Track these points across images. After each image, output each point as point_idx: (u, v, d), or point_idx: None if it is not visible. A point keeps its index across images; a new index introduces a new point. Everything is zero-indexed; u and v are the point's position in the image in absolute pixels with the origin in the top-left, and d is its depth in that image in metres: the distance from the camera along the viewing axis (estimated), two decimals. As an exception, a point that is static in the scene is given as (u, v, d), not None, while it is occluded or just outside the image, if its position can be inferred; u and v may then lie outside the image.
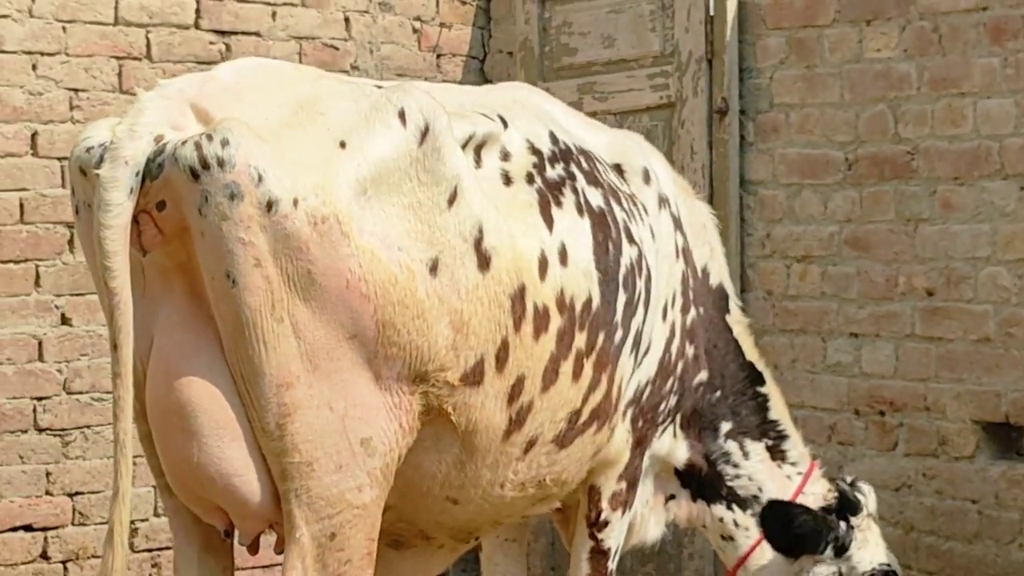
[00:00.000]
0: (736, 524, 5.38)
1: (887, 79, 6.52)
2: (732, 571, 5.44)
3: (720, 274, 5.37)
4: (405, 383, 4.01)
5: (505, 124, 4.46)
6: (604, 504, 4.95)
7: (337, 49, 7.81)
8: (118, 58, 7.13)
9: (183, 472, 3.92)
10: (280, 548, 4.06)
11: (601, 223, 4.57)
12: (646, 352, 4.86)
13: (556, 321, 4.35)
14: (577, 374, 4.46)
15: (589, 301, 4.46)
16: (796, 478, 5.43)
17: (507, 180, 4.39)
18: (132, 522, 7.12)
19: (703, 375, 5.21)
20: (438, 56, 8.20)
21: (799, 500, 5.34)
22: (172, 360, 3.87)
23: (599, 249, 4.53)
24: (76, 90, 7.01)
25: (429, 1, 8.10)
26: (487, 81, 8.18)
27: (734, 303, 5.42)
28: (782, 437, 5.46)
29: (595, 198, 4.58)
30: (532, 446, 4.45)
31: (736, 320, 5.41)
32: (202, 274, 3.81)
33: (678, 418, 5.21)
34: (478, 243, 4.08)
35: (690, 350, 5.12)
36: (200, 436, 3.87)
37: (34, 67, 6.90)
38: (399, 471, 4.13)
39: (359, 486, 3.96)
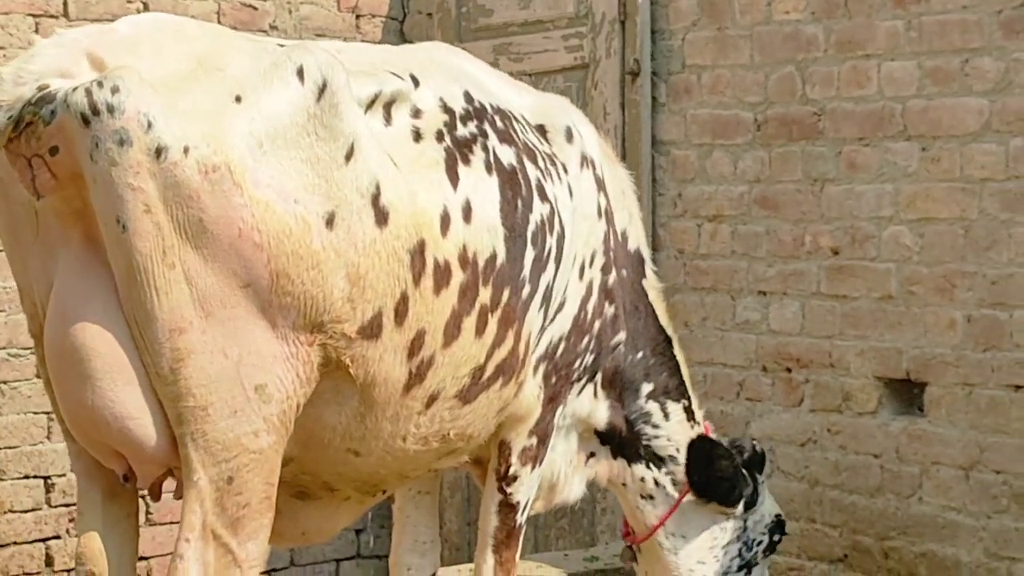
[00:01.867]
0: (657, 484, 5.47)
1: (795, 41, 6.62)
2: (652, 530, 5.52)
3: (638, 239, 5.44)
4: (302, 333, 4.05)
5: (416, 83, 4.49)
6: (514, 459, 5.01)
7: (256, 9, 7.84)
8: (34, 16, 7.14)
9: (79, 416, 3.96)
10: (180, 494, 4.12)
11: (511, 181, 4.62)
12: (559, 309, 4.92)
13: (458, 276, 4.39)
14: (480, 330, 4.51)
15: (494, 257, 4.50)
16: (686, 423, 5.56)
17: (416, 137, 4.42)
18: (48, 477, 7.16)
19: (621, 335, 5.27)
20: (357, 17, 8.23)
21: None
22: (68, 304, 3.92)
23: (507, 206, 4.58)
24: (-6, 49, 7.04)
25: (348, -38, 8.15)
26: (406, 42, 8.21)
27: (649, 268, 5.50)
28: (690, 398, 5.57)
29: (507, 156, 4.63)
30: (434, 401, 4.49)
31: (651, 284, 5.49)
32: (96, 220, 3.85)
33: (599, 378, 5.28)
34: (375, 199, 4.12)
35: (609, 310, 5.18)
36: (94, 379, 3.90)
37: (-52, 25, 6.93)
38: (300, 423, 4.18)
39: (255, 431, 4.00)
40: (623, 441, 5.44)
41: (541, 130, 5.03)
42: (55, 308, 3.94)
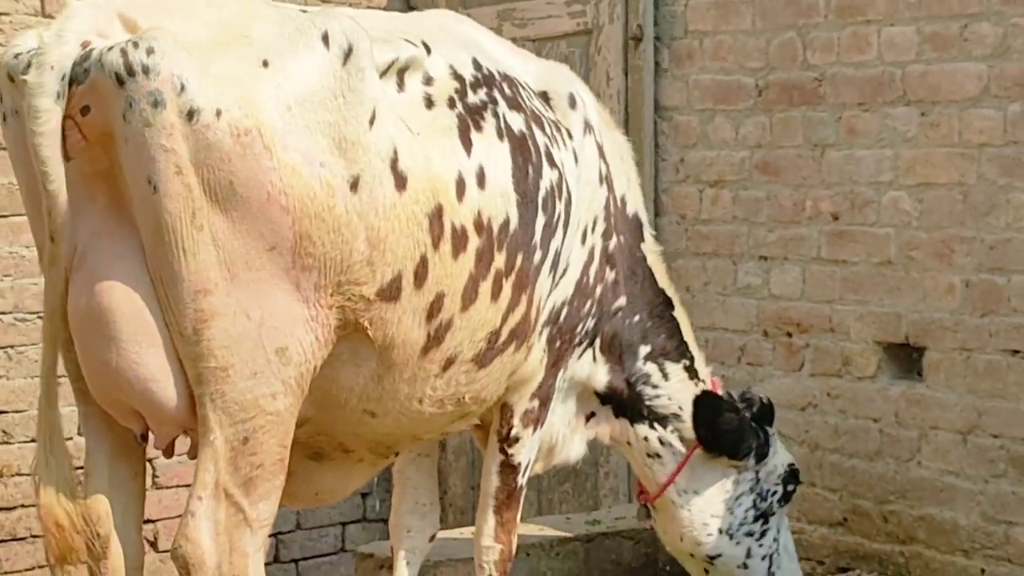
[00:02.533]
0: (662, 442, 5.54)
1: (796, 6, 6.65)
2: (662, 488, 5.59)
3: (636, 203, 5.50)
4: (322, 296, 4.12)
5: (428, 50, 4.56)
6: (516, 421, 5.10)
7: (260, -26, 7.87)
8: (46, -21, 7.20)
9: (102, 376, 4.02)
10: (194, 453, 4.18)
11: (521, 147, 4.69)
12: (563, 273, 5.00)
13: (474, 241, 4.47)
14: (496, 294, 4.58)
15: (507, 222, 4.58)
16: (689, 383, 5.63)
17: (429, 104, 4.49)
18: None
19: (622, 300, 5.35)
20: (362, -17, 8.27)
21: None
22: (94, 266, 3.98)
23: (518, 172, 4.64)
24: (-2, 13, 7.08)
25: (353, -75, 8.16)
26: (412, 8, 8.25)
27: (648, 232, 5.55)
28: (692, 357, 5.62)
29: (516, 122, 4.70)
30: (451, 364, 4.57)
31: (650, 248, 5.54)
32: (124, 181, 3.91)
33: (598, 342, 5.35)
34: (394, 163, 4.19)
35: (610, 275, 5.26)
36: (119, 341, 3.97)
37: (-55, -7, 6.97)
38: (317, 383, 4.25)
39: (273, 393, 4.07)
40: (624, 402, 5.50)
41: (544, 97, 5.10)
42: (80, 269, 4.01)
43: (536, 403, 5.10)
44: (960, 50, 6.10)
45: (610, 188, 5.27)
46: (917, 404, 6.30)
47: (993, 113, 6.01)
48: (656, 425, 5.54)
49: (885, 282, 6.37)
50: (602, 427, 5.59)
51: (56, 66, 3.81)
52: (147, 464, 4.45)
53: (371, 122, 4.14)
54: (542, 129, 4.82)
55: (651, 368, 5.52)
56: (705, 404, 5.48)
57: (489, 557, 5.21)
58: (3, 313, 7.07)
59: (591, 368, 5.39)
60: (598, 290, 5.20)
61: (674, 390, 5.56)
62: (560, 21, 7.48)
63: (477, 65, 4.73)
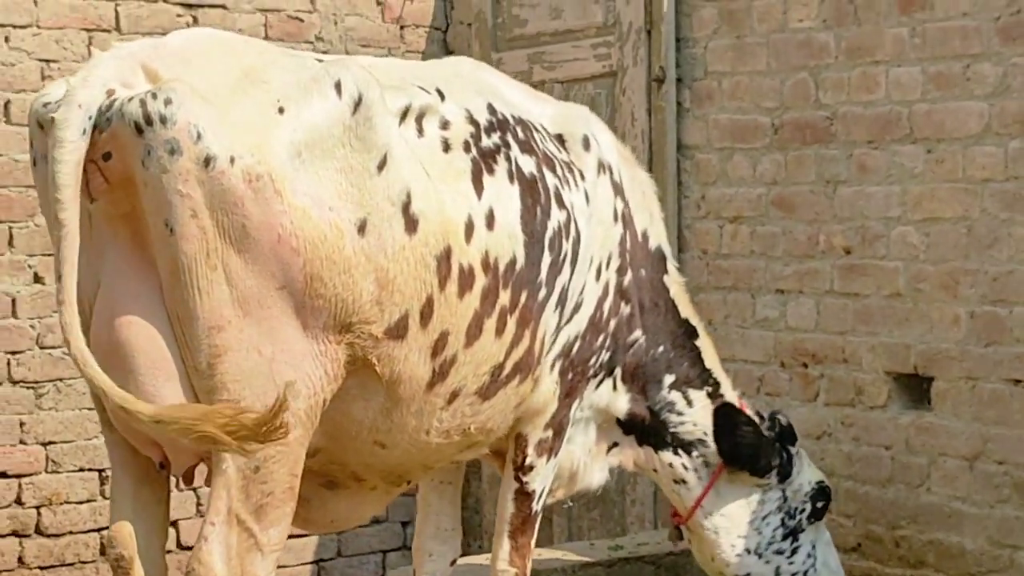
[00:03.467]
0: (686, 468, 5.75)
1: (808, 48, 6.87)
2: (690, 512, 5.80)
3: (659, 237, 5.71)
4: (331, 333, 4.34)
5: (442, 96, 4.80)
6: (530, 450, 5.31)
7: (302, 21, 8.18)
8: (88, 30, 7.52)
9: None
10: (209, 480, 4.41)
11: (531, 189, 4.91)
12: (575, 309, 5.20)
13: (481, 281, 4.69)
14: (500, 330, 4.79)
15: (513, 262, 4.80)
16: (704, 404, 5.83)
17: (446, 148, 4.72)
18: (102, 470, 7.51)
19: (638, 333, 5.56)
20: (401, 28, 8.55)
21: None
22: (115, 302, 4.22)
23: (527, 213, 4.86)
24: (47, 61, 7.41)
25: (392, -26, 8.46)
26: (449, 51, 8.54)
27: (671, 264, 5.77)
28: (717, 383, 5.83)
29: (527, 165, 4.92)
30: (456, 397, 4.79)
31: (674, 280, 5.76)
32: (144, 223, 4.17)
33: (618, 372, 5.56)
34: (406, 207, 4.42)
35: (625, 309, 5.46)
36: (137, 374, 4.20)
37: (6, 39, 7.30)
38: (328, 416, 4.48)
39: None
40: (647, 429, 5.71)
41: (559, 139, 5.31)
42: (101, 305, 4.26)
43: (550, 433, 5.29)
44: (963, 89, 6.30)
45: (627, 225, 5.48)
46: (926, 432, 6.49)
47: (994, 150, 6.21)
48: (681, 452, 5.75)
49: (895, 314, 6.57)
50: (626, 454, 5.80)
51: (83, 105, 4.09)
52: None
53: (380, 168, 4.38)
54: (553, 171, 5.05)
55: (675, 396, 5.73)
56: (724, 415, 5.72)
57: None
58: (52, 347, 7.39)
59: (611, 397, 5.60)
60: (612, 324, 5.40)
61: (698, 416, 5.76)
62: (587, 64, 7.74)
63: (492, 110, 4.96)
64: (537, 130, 5.17)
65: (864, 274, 6.70)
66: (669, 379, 5.71)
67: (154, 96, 4.10)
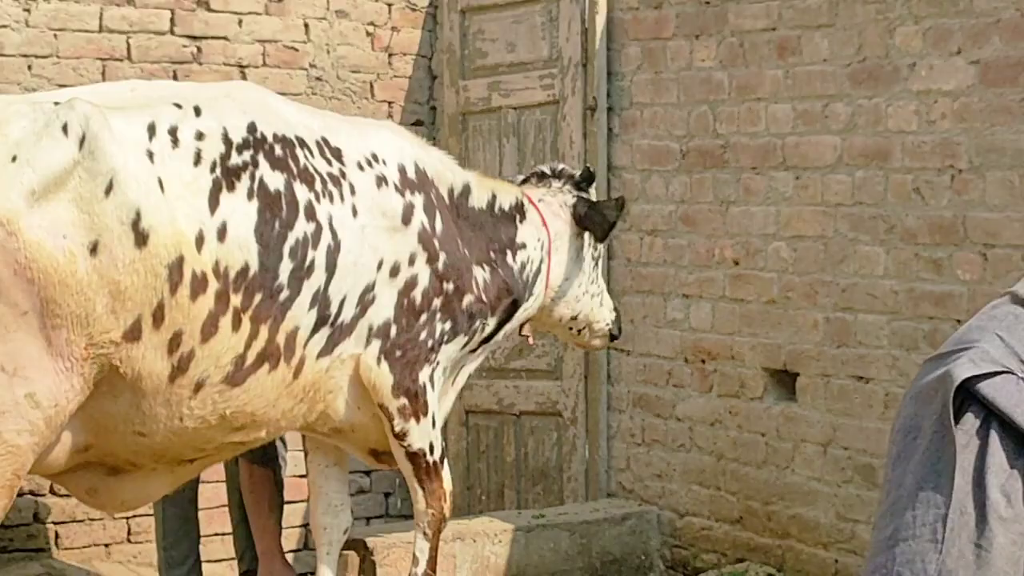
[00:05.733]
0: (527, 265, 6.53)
1: (708, 84, 7.88)
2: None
3: (480, 191, 6.38)
4: (75, 347, 4.87)
5: (199, 112, 5.28)
6: (396, 418, 5.97)
7: (297, 50, 9.24)
8: (102, 59, 8.65)
9: None
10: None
11: (272, 204, 5.38)
12: (364, 306, 5.75)
13: (214, 285, 5.17)
14: (236, 327, 5.26)
15: (246, 269, 5.27)
16: (532, 217, 6.59)
17: (196, 161, 5.21)
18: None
19: (470, 297, 6.17)
20: (390, 55, 9.60)
21: (547, 217, 6.60)
22: None
23: (263, 226, 5.33)
24: (65, 86, 8.55)
25: (382, 9, 9.51)
26: (434, 76, 9.59)
27: (474, 185, 6.38)
28: (520, 204, 6.57)
29: (274, 182, 5.42)
30: (201, 387, 5.26)
31: (478, 195, 6.38)
32: None
33: (490, 320, 6.30)
34: (135, 224, 4.92)
35: (448, 286, 6.07)
36: None
37: (29, 67, 8.43)
38: (89, 415, 5.06)
39: (19, 430, 4.86)
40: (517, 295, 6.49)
41: (338, 154, 5.76)
42: None
43: (405, 401, 5.93)
44: (822, 125, 7.28)
45: (430, 215, 6.00)
46: (791, 421, 7.48)
47: (845, 178, 7.18)
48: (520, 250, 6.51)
49: (770, 318, 7.56)
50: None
51: None
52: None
53: (107, 191, 4.87)
54: (310, 186, 5.54)
55: (520, 256, 6.48)
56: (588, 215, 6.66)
57: (423, 519, 6.23)
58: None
59: (493, 326, 6.38)
60: (436, 302, 6.01)
61: (533, 254, 6.53)
62: (535, 92, 8.78)
63: (252, 129, 5.42)
64: (305, 146, 5.61)
65: (748, 283, 7.70)
66: (520, 257, 6.45)
67: None
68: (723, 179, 7.82)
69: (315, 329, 5.62)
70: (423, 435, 6.07)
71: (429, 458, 6.11)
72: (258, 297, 5.36)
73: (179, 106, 5.28)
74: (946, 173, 6.74)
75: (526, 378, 8.88)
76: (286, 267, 5.44)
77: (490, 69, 9.05)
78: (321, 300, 5.61)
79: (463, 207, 6.31)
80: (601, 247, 6.85)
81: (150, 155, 5.08)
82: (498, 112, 8.95)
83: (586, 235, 6.72)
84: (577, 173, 6.82)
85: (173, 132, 5.19)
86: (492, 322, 6.31)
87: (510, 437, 8.99)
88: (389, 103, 9.52)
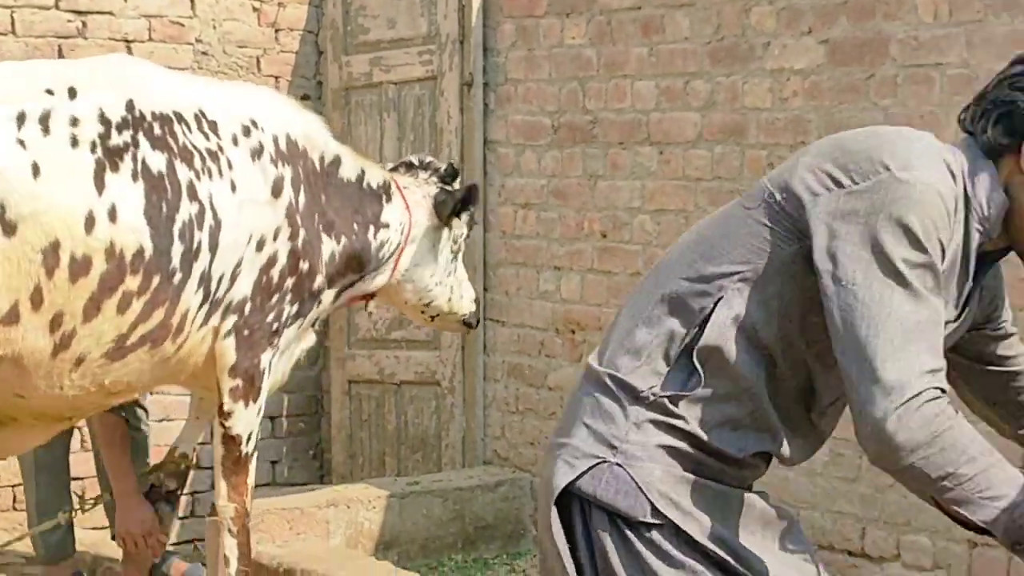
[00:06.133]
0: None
1: (578, 61, 8.07)
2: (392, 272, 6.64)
3: (336, 151, 6.31)
4: None
5: (73, 94, 5.23)
6: (226, 398, 5.83)
7: (183, 25, 9.29)
8: (-15, 34, 8.74)
9: None
10: None
11: (157, 186, 5.36)
12: (231, 282, 5.74)
13: (99, 268, 5.18)
14: (123, 309, 5.29)
15: (141, 251, 5.28)
16: (397, 201, 6.57)
17: (74, 144, 5.16)
18: None
19: (320, 279, 6.14)
20: (276, 31, 9.71)
21: (411, 204, 6.60)
22: None
23: (151, 209, 5.31)
24: (-54, 60, 8.65)
25: (268, -17, 9.64)
26: (320, 52, 9.72)
27: (346, 157, 6.35)
28: (387, 184, 6.55)
29: (156, 163, 5.39)
30: (82, 362, 5.32)
31: (348, 170, 6.36)
32: None
33: (328, 294, 6.28)
34: (2, 215, 4.98)
35: (303, 265, 6.00)
36: None
37: (-89, 42, 8.56)
38: None
39: None
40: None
41: (214, 127, 5.69)
42: None
43: (239, 382, 5.82)
44: (683, 102, 7.50)
45: (296, 190, 5.97)
46: (655, 389, 7.69)
47: (705, 153, 7.40)
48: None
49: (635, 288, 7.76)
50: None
51: None
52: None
53: None
54: (190, 165, 5.50)
55: (376, 238, 6.45)
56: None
57: (226, 514, 6.03)
58: None
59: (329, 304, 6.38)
60: (289, 282, 5.95)
61: (393, 236, 6.52)
62: (414, 68, 8.94)
63: (130, 107, 5.36)
64: (183, 121, 5.55)
65: (615, 255, 7.90)
66: (381, 236, 6.45)
67: None
68: (592, 154, 8.02)
69: (200, 307, 5.66)
70: (247, 421, 5.99)
71: (244, 447, 5.97)
72: (156, 280, 5.39)
73: (51, 92, 5.24)
74: (798, 149, 6.93)
75: (406, 348, 9.06)
76: (177, 250, 5.47)
77: (372, 45, 9.20)
78: (206, 280, 5.64)
79: (333, 175, 6.30)
80: (462, 241, 6.87)
81: (21, 143, 5.09)
82: (379, 87, 9.10)
83: (446, 229, 6.76)
84: (443, 167, 6.90)
85: (45, 119, 5.17)
86: (330, 295, 6.33)
87: (391, 406, 9.17)
88: (276, 78, 9.63)
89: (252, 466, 6.05)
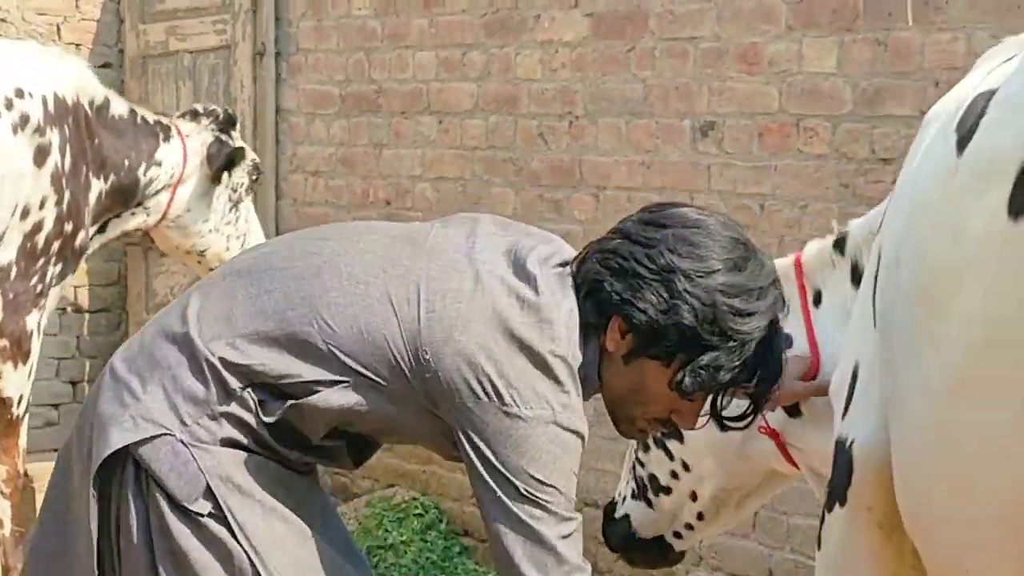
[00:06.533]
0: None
1: (363, 32, 8.22)
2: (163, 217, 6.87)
3: (106, 92, 6.57)
4: None
5: None
6: None
7: (-21, -10, 9.39)
8: None
9: None
10: None
11: None
12: None
13: None
14: None
15: None
16: (175, 144, 6.81)
17: None
18: None
19: (84, 232, 6.34)
20: (77, -2, 9.78)
21: (189, 150, 6.85)
22: None
23: None
24: None
25: (67, -50, 9.68)
26: (121, 19, 9.77)
27: (116, 102, 6.60)
28: (168, 128, 6.88)
29: None
30: None
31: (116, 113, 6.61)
32: None
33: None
34: None
35: (68, 227, 6.20)
36: None
37: None
38: None
39: None
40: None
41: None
42: None
43: (6, 343, 6.04)
44: (461, 72, 7.68)
45: (62, 154, 6.14)
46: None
47: (481, 123, 7.59)
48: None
49: (417, 256, 7.94)
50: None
51: None
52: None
53: None
54: None
55: (146, 175, 6.69)
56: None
57: None
58: None
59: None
60: (55, 245, 6.13)
61: (163, 176, 6.76)
62: (209, 37, 9.04)
63: None
64: None
65: (399, 222, 8.02)
66: (151, 173, 6.67)
67: None
68: (376, 123, 8.18)
69: None
70: (18, 384, 6.12)
71: (15, 410, 6.09)
72: None
73: None
74: (565, 119, 7.18)
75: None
76: None
77: (168, 14, 9.28)
78: None
79: (103, 114, 6.46)
80: (243, 191, 7.04)
81: None
82: (175, 56, 9.19)
83: (225, 176, 6.93)
84: (221, 113, 7.06)
85: None
86: (93, 230, 6.46)
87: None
88: (77, 45, 9.67)
89: (24, 428, 6.16)
